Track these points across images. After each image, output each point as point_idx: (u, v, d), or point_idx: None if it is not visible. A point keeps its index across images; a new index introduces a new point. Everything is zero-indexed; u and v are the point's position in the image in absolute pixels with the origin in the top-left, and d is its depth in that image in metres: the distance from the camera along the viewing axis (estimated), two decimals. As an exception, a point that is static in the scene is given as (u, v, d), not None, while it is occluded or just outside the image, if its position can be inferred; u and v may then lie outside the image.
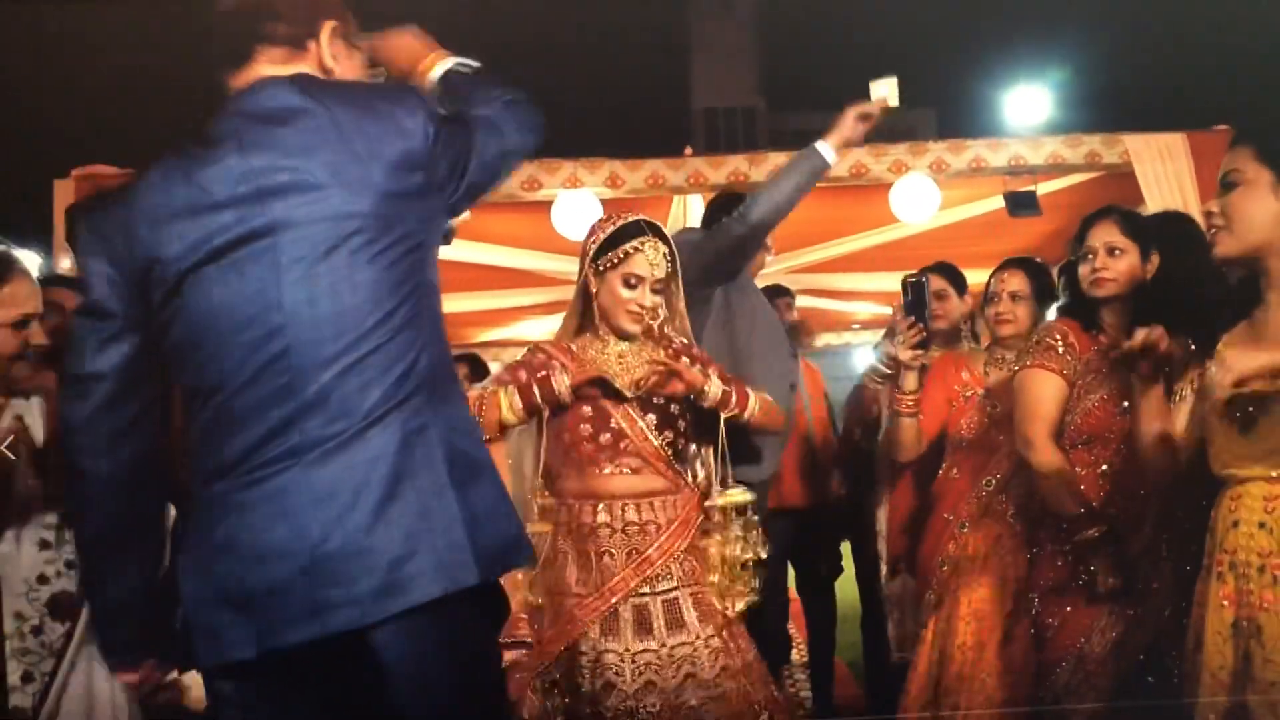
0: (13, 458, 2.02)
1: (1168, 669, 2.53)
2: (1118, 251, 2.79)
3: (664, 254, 2.77)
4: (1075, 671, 2.73)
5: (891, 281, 4.13)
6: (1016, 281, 3.44)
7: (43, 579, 2.07)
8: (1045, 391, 2.80)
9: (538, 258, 6.46)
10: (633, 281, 2.75)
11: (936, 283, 3.64)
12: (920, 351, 3.26)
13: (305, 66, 1.75)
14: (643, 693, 2.61)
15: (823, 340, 9.19)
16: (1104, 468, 2.78)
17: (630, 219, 2.80)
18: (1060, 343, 2.81)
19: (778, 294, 5.17)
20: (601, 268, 2.77)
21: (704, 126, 20.37)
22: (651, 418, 2.77)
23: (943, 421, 3.45)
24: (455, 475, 1.67)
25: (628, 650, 2.66)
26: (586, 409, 2.75)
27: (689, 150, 5.88)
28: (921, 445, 3.42)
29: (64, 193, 4.69)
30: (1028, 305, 3.42)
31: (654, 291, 2.77)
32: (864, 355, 5.05)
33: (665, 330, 2.87)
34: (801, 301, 7.42)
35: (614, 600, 2.68)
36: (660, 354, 2.81)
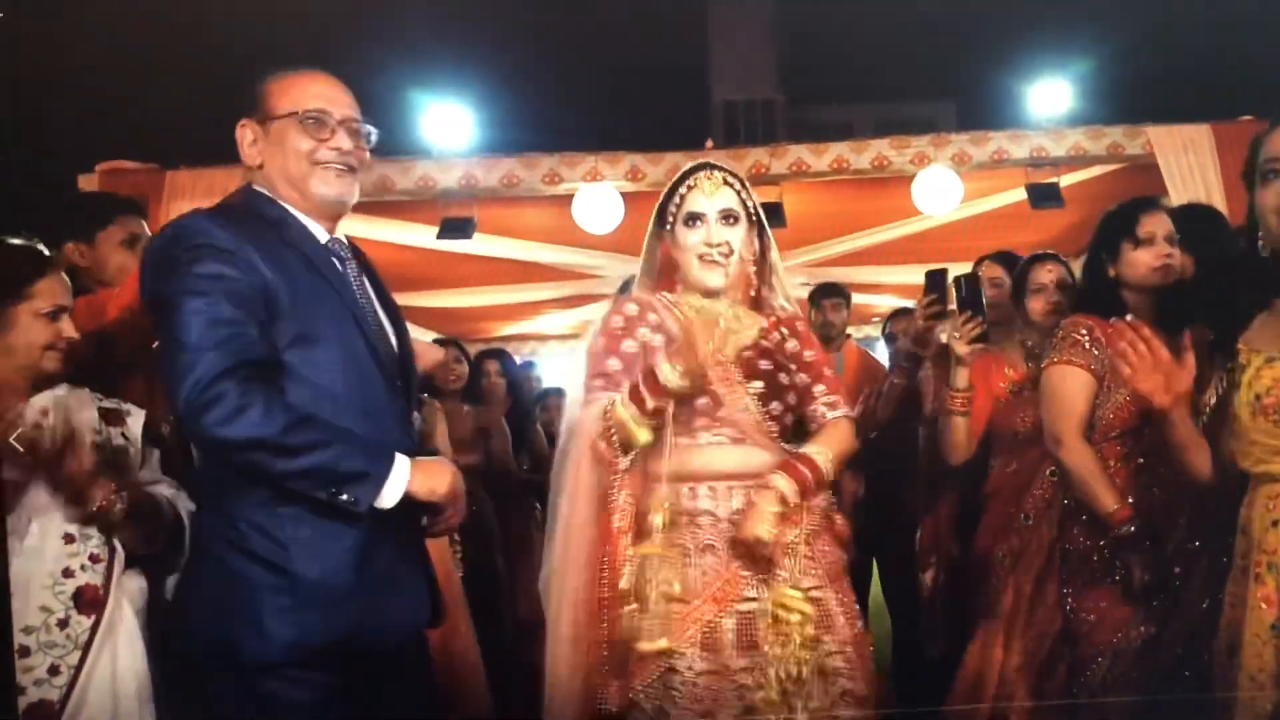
0: (20, 449, 2.03)
1: (1204, 664, 2.52)
2: (1176, 240, 2.78)
3: (724, 181, 2.41)
4: (1112, 667, 2.71)
5: (913, 274, 4.14)
6: (1060, 271, 3.40)
7: (68, 572, 2.07)
8: (1073, 388, 2.78)
9: (559, 251, 6.47)
10: (695, 221, 2.39)
11: (993, 270, 3.63)
12: (978, 346, 3.20)
13: None
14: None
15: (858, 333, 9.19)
16: (1139, 460, 2.76)
17: (690, 164, 2.47)
18: (1086, 337, 2.79)
19: (825, 294, 5.12)
20: (668, 223, 2.44)
21: (723, 119, 20.31)
22: (757, 385, 2.38)
23: (988, 419, 3.40)
24: None
25: (728, 668, 2.24)
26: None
27: (710, 143, 5.89)
28: (973, 445, 3.36)
29: (89, 187, 4.75)
30: (1071, 294, 3.37)
31: (724, 225, 2.39)
32: (885, 348, 5.02)
33: (763, 292, 2.53)
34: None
35: (716, 609, 2.26)
36: (761, 322, 2.46)
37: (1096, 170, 5.67)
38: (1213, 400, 2.37)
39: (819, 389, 2.47)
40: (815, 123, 20.62)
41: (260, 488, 1.91)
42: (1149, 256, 2.79)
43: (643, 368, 2.27)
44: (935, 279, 3.35)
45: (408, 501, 1.96)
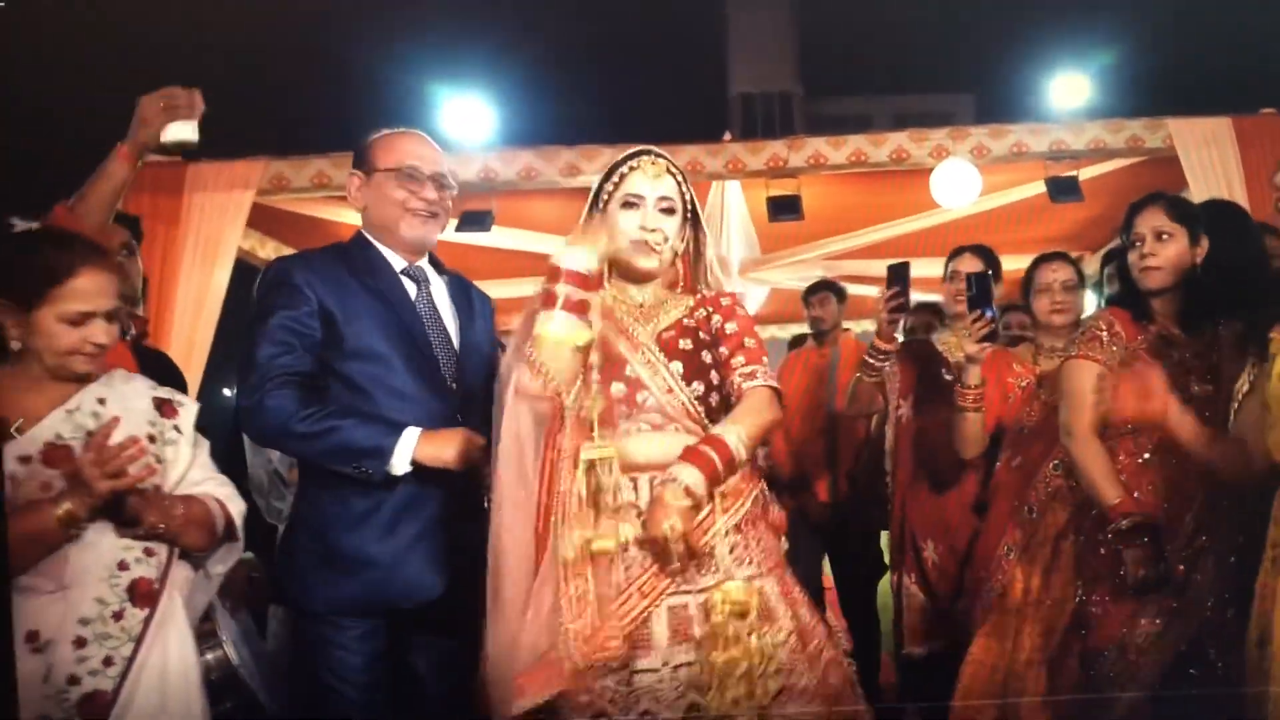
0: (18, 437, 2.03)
1: (1211, 661, 2.52)
2: (1165, 236, 2.76)
3: (667, 170, 2.33)
4: (1118, 660, 2.72)
5: (932, 268, 4.13)
6: (1066, 272, 3.44)
7: (123, 565, 2.10)
8: (1088, 382, 2.80)
9: (576, 244, 6.48)
10: (632, 201, 2.30)
11: (971, 264, 3.57)
12: (988, 344, 3.19)
13: None
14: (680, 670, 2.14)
15: (860, 327, 9.17)
16: (1146, 456, 2.77)
17: (630, 150, 2.38)
18: (1105, 332, 2.80)
19: (812, 290, 5.19)
20: (601, 204, 2.35)
21: (741, 112, 20.29)
22: (678, 366, 2.29)
23: (998, 415, 3.42)
24: None
25: (666, 664, 2.16)
26: (592, 356, 2.21)
27: (728, 136, 5.89)
28: (985, 440, 3.38)
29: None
30: (1077, 294, 3.45)
31: (661, 212, 2.32)
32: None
33: (697, 289, 2.45)
34: (838, 288, 7.44)
35: (644, 603, 2.16)
36: (688, 302, 2.39)
37: (1116, 164, 5.64)
38: (1244, 389, 2.38)
39: (737, 360, 2.32)
40: (832, 116, 20.61)
41: (312, 469, 2.41)
42: (1134, 256, 2.80)
43: (546, 269, 2.14)
44: (897, 272, 3.35)
45: (431, 474, 2.32)
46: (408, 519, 2.38)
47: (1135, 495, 2.72)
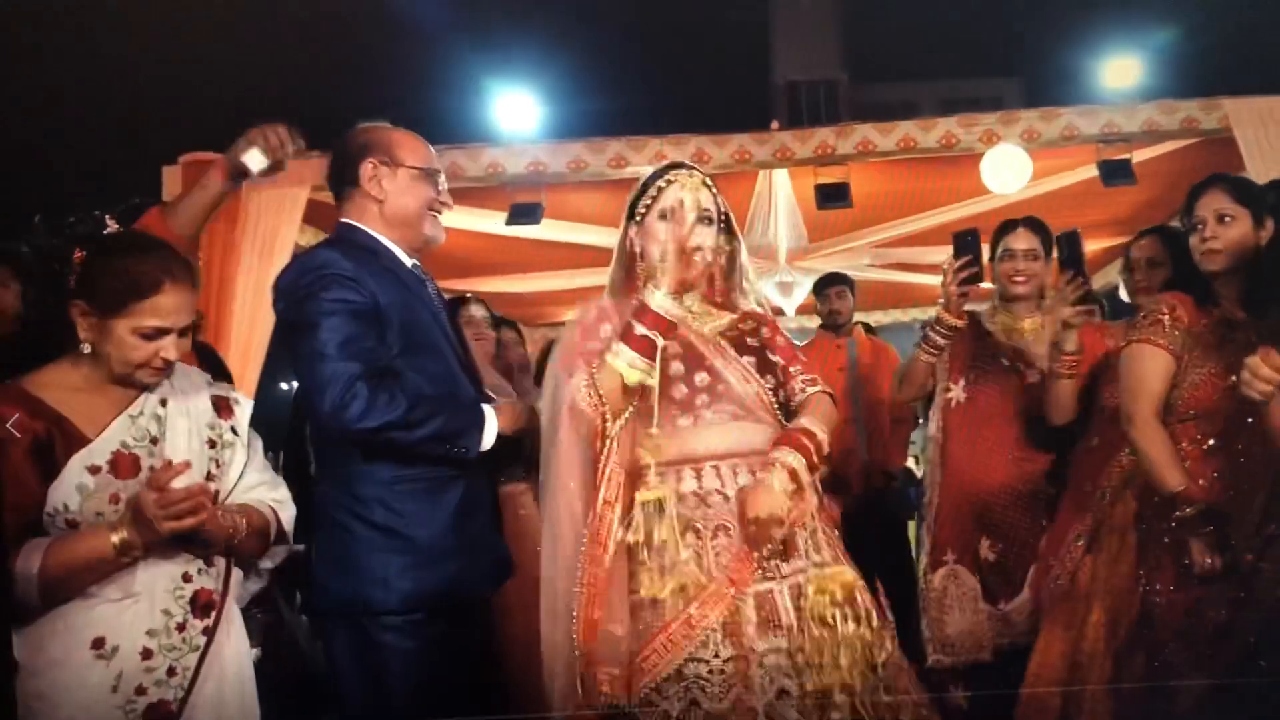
0: (17, 435, 2.03)
1: (1281, 651, 2.49)
2: (1228, 219, 2.73)
3: (704, 184, 2.44)
4: (1183, 650, 2.69)
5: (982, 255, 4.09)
6: (1029, 240, 3.42)
7: (186, 577, 2.15)
8: (1150, 367, 2.77)
9: (624, 235, 6.50)
10: (669, 214, 2.40)
11: (1026, 240, 3.45)
12: (1083, 307, 3.10)
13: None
14: (779, 706, 2.18)
15: (910, 315, 9.11)
16: (1210, 443, 2.73)
17: (662, 164, 2.51)
18: (1168, 316, 2.77)
19: (828, 283, 5.30)
20: (639, 216, 2.46)
21: (786, 100, 20.18)
22: (750, 359, 2.42)
23: (1084, 390, 3.31)
24: None
25: (754, 651, 2.21)
26: (674, 345, 2.34)
27: (775, 124, 5.88)
28: (1076, 409, 3.26)
29: (172, 179, 4.87)
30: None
31: (699, 223, 2.41)
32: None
33: (733, 296, 2.54)
34: (887, 276, 7.40)
35: (733, 590, 2.22)
36: (731, 315, 2.49)
37: (1170, 146, 5.56)
38: None
39: (795, 368, 2.49)
40: (878, 102, 20.42)
41: (381, 469, 2.39)
42: (1195, 240, 2.77)
43: (632, 308, 2.28)
44: (965, 240, 3.23)
45: (497, 449, 2.45)
46: (473, 512, 2.49)
47: (1200, 482, 2.69)
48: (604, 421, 2.26)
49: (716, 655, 2.18)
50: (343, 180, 2.59)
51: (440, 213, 2.62)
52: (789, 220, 6.67)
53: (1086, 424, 3.31)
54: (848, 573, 2.28)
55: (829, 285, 5.41)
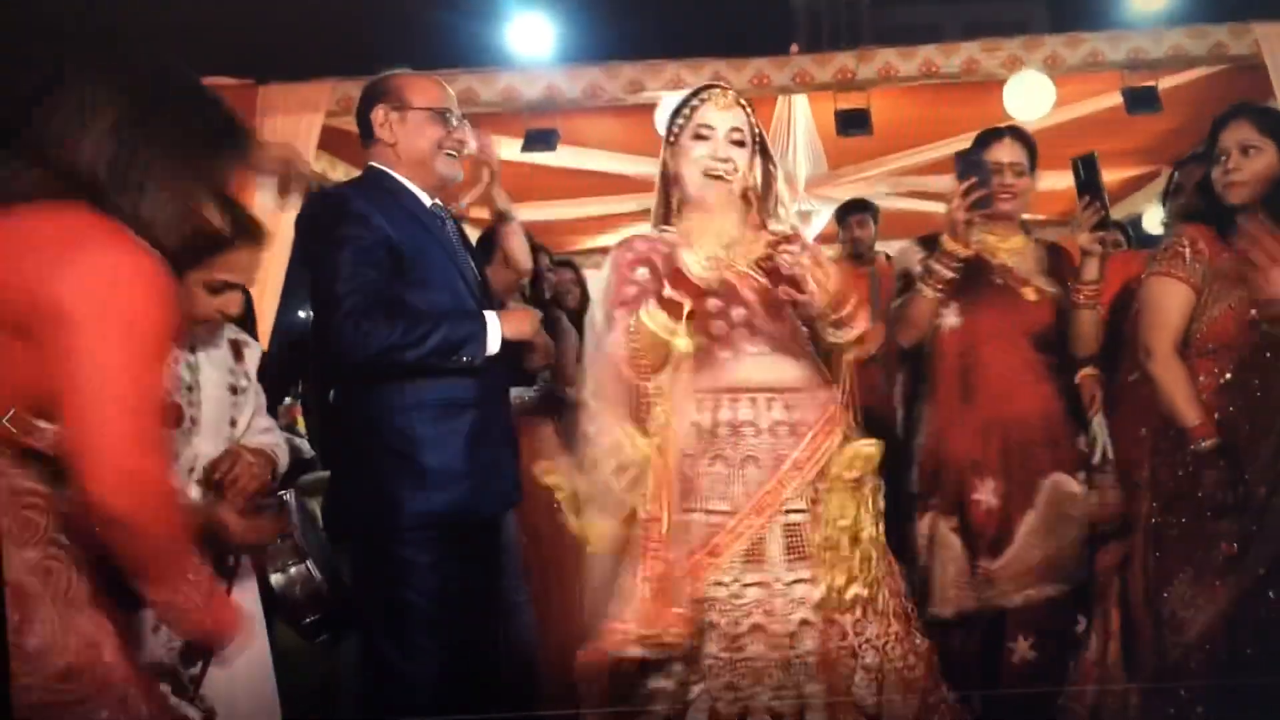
0: (13, 430, 2.04)
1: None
2: (1252, 150, 2.68)
3: (736, 102, 2.41)
4: (1194, 581, 2.71)
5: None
6: (1016, 152, 3.09)
7: None
8: (1170, 300, 2.74)
9: (641, 162, 6.44)
10: (703, 133, 2.37)
11: (1012, 153, 3.12)
12: (1102, 233, 2.93)
13: None
14: (800, 635, 2.20)
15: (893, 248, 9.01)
16: (1227, 377, 2.73)
17: (700, 84, 2.50)
18: (1188, 249, 2.73)
19: (850, 210, 5.24)
20: (674, 137, 2.43)
21: (807, 23, 19.86)
22: (784, 290, 2.37)
23: (1111, 321, 3.17)
24: None
25: (778, 580, 2.23)
26: (712, 281, 2.30)
27: (795, 48, 5.79)
28: (1100, 339, 3.09)
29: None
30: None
31: (731, 144, 2.38)
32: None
33: (768, 223, 2.48)
34: (905, 204, 7.32)
35: (759, 520, 2.23)
36: (765, 238, 2.42)
37: (1197, 73, 5.45)
38: None
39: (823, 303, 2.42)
40: (900, 25, 20.06)
41: (395, 395, 2.53)
42: (1218, 172, 2.73)
43: (668, 272, 2.26)
44: (971, 162, 2.97)
45: (506, 353, 2.58)
46: (486, 436, 2.62)
47: (1215, 416, 2.69)
48: (645, 377, 2.26)
49: (737, 580, 2.20)
50: (366, 130, 2.72)
51: (456, 152, 2.71)
52: (808, 147, 6.61)
53: (1118, 356, 3.20)
54: (862, 446, 2.28)
55: (850, 213, 5.31)
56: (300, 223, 2.63)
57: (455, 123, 2.70)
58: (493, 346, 2.55)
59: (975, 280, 3.08)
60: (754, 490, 2.24)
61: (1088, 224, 2.93)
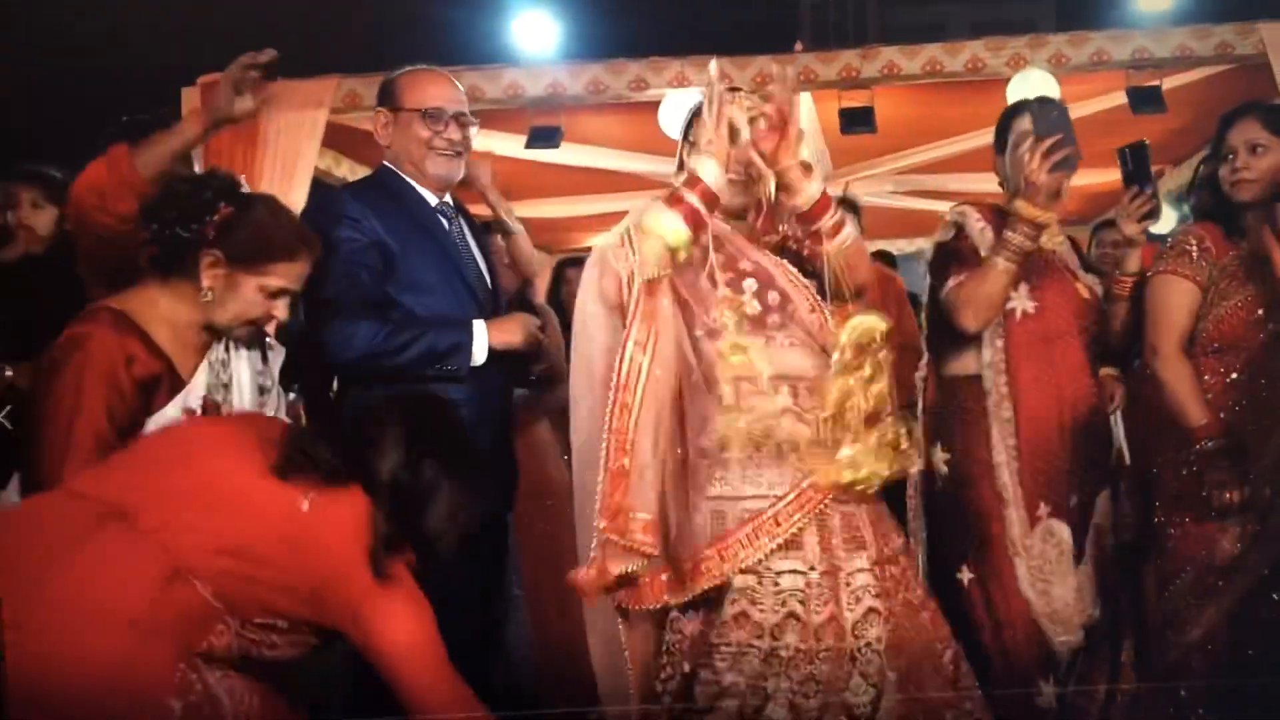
0: (9, 427, 2.12)
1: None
2: (1260, 149, 2.68)
3: (756, 106, 2.44)
4: (1196, 583, 2.70)
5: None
6: (1253, 130, 2.79)
7: None
8: (1175, 299, 2.74)
9: (645, 160, 6.44)
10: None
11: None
12: (1149, 223, 2.87)
13: None
14: (863, 624, 2.19)
15: (930, 245, 9.00)
16: (1234, 377, 2.72)
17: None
18: (1195, 247, 2.74)
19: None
20: (691, 137, 2.50)
21: (812, 21, 19.83)
22: (813, 283, 2.39)
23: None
24: None
25: (813, 569, 2.21)
26: (745, 263, 2.34)
27: (799, 46, 5.78)
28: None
29: (191, 100, 4.84)
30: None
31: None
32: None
33: (780, 226, 2.50)
34: (907, 204, 7.31)
35: (812, 505, 2.21)
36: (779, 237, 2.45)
37: (1203, 72, 5.44)
38: None
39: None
40: (905, 24, 20.03)
41: (386, 392, 2.47)
42: (1225, 170, 2.72)
43: (688, 176, 2.25)
44: (1052, 117, 2.72)
45: (498, 360, 2.59)
46: (480, 432, 2.56)
47: (1220, 416, 2.68)
48: (629, 287, 2.24)
49: (813, 568, 2.18)
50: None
51: (449, 151, 2.70)
52: (811, 145, 6.60)
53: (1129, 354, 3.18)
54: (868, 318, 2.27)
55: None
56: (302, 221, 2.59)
57: (447, 119, 2.68)
58: (479, 357, 2.57)
59: (1040, 262, 2.88)
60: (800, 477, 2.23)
61: (1137, 214, 2.89)
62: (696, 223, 2.20)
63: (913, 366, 3.21)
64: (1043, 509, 2.78)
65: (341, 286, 2.51)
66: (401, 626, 1.84)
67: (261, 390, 2.38)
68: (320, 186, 4.40)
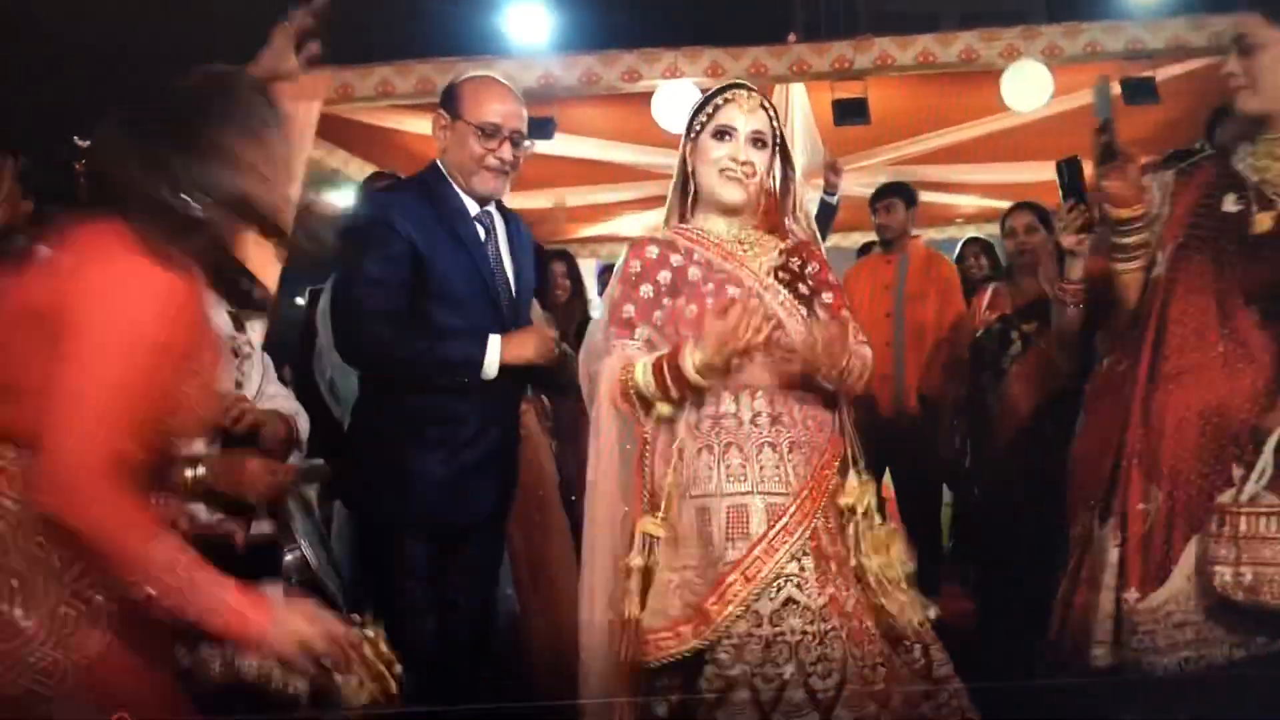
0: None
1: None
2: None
3: (760, 105, 2.41)
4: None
5: (1000, 174, 4.06)
6: (1028, 218, 3.57)
7: None
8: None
9: (637, 151, 6.44)
10: (725, 131, 2.38)
11: (1024, 217, 3.74)
12: (1085, 235, 2.95)
13: None
14: (828, 611, 2.17)
15: (926, 235, 9.01)
16: None
17: (724, 83, 2.51)
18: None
19: (879, 196, 5.19)
20: (695, 132, 2.44)
21: (803, 12, 19.78)
22: (804, 311, 2.38)
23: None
24: None
25: (805, 554, 2.22)
26: (733, 288, 2.33)
27: (793, 37, 5.78)
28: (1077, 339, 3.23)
29: (182, 90, 4.82)
30: (1039, 236, 3.44)
31: (752, 145, 2.39)
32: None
33: (785, 222, 2.51)
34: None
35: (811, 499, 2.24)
36: (780, 245, 2.45)
37: (1196, 63, 5.44)
38: None
39: (845, 314, 2.45)
40: (898, 14, 19.99)
41: (395, 398, 2.66)
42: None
43: (669, 351, 2.26)
44: (1068, 173, 3.01)
45: (511, 372, 2.63)
46: (471, 448, 2.68)
47: None
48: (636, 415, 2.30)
49: (805, 554, 2.19)
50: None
51: (498, 169, 2.68)
52: (806, 137, 6.59)
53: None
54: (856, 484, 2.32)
55: (876, 199, 5.22)
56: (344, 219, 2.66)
57: (503, 137, 2.67)
58: (490, 371, 2.60)
59: (1205, 208, 2.78)
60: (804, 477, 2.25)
61: (1073, 226, 2.96)
62: (675, 400, 2.26)
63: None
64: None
65: (363, 291, 2.59)
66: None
67: (235, 354, 2.45)
68: (369, 184, 4.39)
